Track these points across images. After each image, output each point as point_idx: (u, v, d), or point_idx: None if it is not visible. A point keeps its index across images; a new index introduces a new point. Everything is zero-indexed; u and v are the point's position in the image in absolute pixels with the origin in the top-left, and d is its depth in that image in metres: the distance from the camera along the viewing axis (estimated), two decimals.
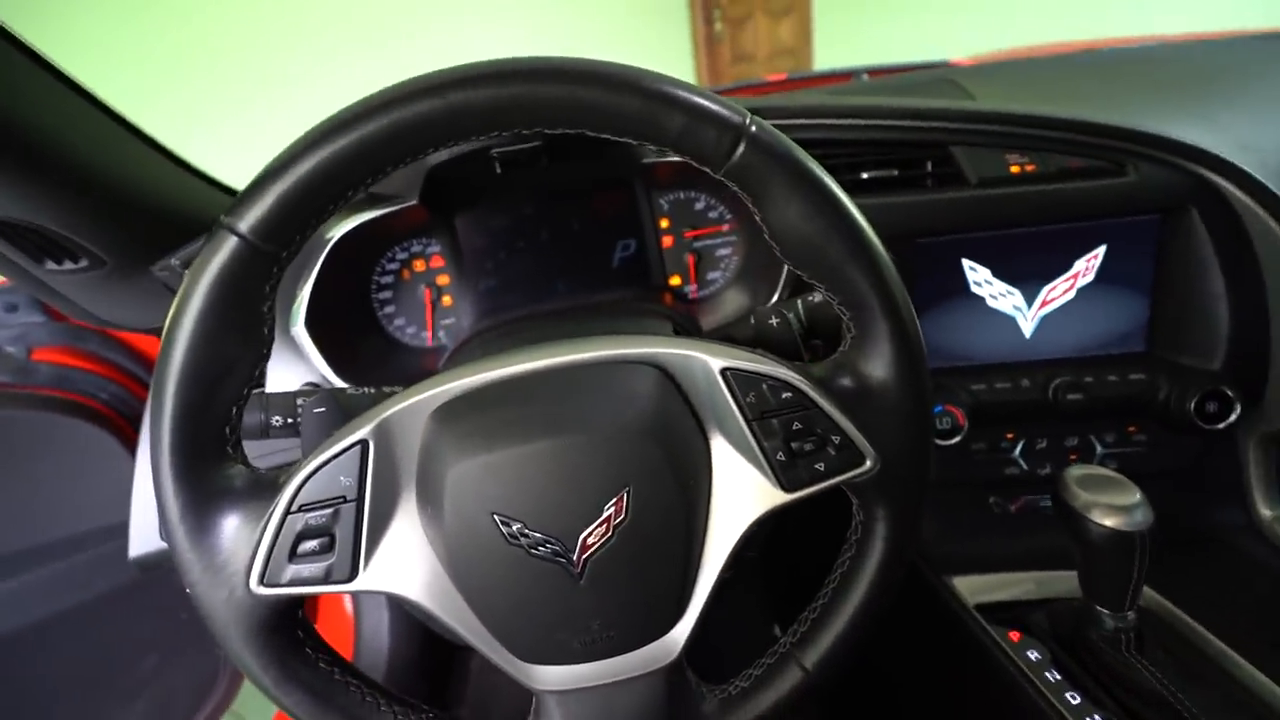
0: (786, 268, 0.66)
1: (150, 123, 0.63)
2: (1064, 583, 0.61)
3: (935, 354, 0.69)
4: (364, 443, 0.37)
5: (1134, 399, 0.65)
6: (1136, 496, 0.49)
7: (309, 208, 0.34)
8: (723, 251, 0.74)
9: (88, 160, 0.55)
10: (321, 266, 0.62)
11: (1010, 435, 0.69)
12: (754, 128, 0.35)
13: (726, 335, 0.48)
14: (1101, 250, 0.65)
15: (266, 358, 0.37)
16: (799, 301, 0.50)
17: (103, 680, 0.95)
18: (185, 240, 0.65)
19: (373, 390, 0.52)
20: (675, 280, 0.75)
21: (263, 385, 0.65)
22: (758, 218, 0.37)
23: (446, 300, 0.75)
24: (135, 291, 0.65)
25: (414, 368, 0.72)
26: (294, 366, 0.64)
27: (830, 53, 4.31)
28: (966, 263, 0.67)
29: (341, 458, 0.37)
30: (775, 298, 0.65)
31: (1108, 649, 0.52)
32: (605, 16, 4.09)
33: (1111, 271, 0.66)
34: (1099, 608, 0.52)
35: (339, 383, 0.63)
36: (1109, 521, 0.48)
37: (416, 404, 0.38)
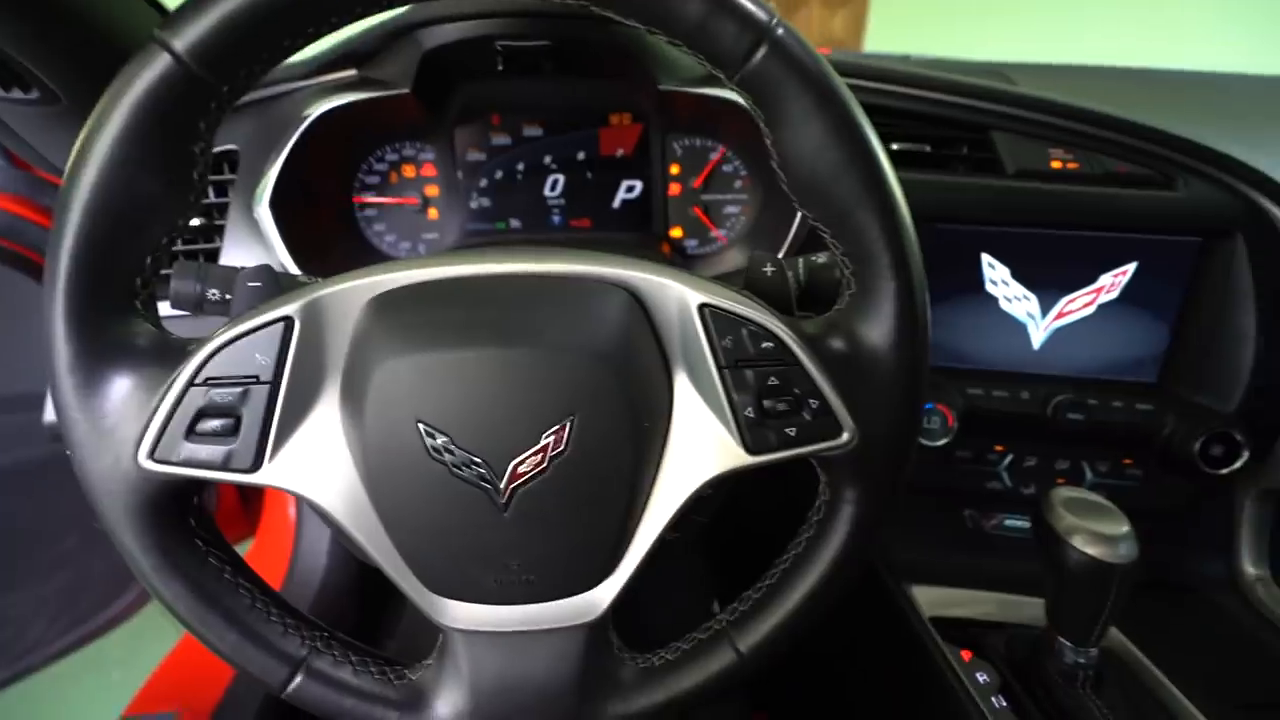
0: (793, 231, 0.62)
1: None
2: (1026, 609, 0.58)
3: (935, 349, 0.65)
4: (288, 320, 0.32)
5: (1136, 430, 0.61)
6: (1124, 528, 0.46)
7: (261, 37, 0.30)
8: (731, 209, 0.70)
9: None
10: (294, 146, 0.57)
11: (1000, 448, 0.66)
12: (780, 30, 0.30)
13: (714, 278, 0.43)
14: (1132, 267, 0.61)
15: (195, 207, 0.33)
16: (800, 260, 0.46)
17: (20, 550, 0.92)
18: None
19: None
20: (676, 232, 0.71)
21: (204, 252, 0.60)
22: (768, 140, 0.33)
23: (432, 213, 0.70)
24: None
25: None
26: (252, 250, 0.59)
27: (881, 49, 4.20)
28: (986, 258, 0.62)
29: (261, 333, 0.32)
30: (782, 253, 0.60)
31: (1063, 683, 0.49)
32: None
33: (1138, 292, 0.61)
34: (1061, 639, 0.49)
35: (298, 273, 0.59)
36: (1090, 550, 0.45)
37: (355, 288, 0.33)
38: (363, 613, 0.99)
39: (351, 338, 0.33)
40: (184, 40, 0.29)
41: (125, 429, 0.32)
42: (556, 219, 0.71)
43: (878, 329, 0.34)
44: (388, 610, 1.04)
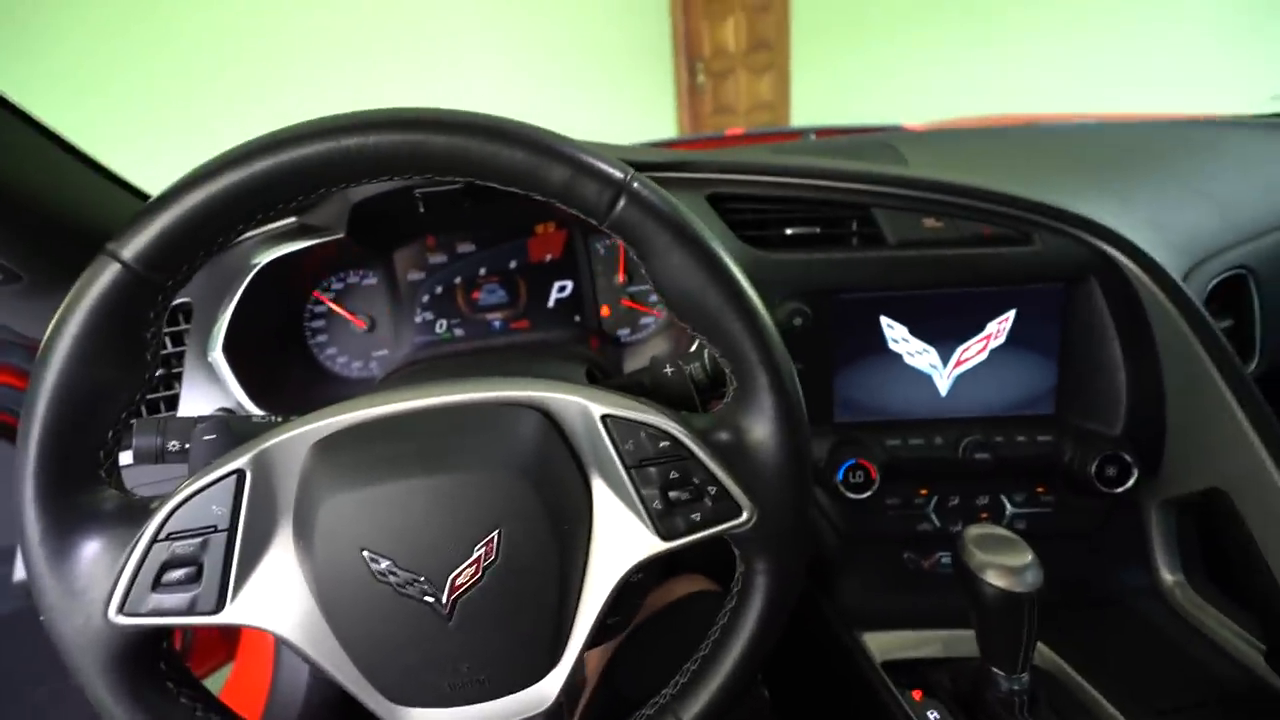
0: None
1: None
2: (967, 644, 0.61)
3: (852, 409, 0.71)
4: (240, 472, 0.37)
5: (1041, 460, 0.67)
6: (1028, 558, 0.50)
7: (196, 240, 0.35)
8: (654, 298, 0.76)
9: (3, 170, 0.54)
10: (244, 293, 0.62)
11: (924, 491, 0.71)
12: (635, 184, 0.37)
13: (621, 384, 0.48)
14: (1011, 314, 0.68)
15: (149, 384, 0.37)
16: (705, 352, 0.52)
17: None
18: None
19: (276, 419, 0.51)
20: (608, 324, 0.77)
21: (165, 410, 0.64)
22: (643, 270, 0.39)
23: (380, 332, 0.75)
24: (54, 307, 0.64)
25: (343, 397, 0.72)
26: (210, 392, 0.63)
27: (807, 108, 4.50)
28: (885, 320, 0.69)
29: (215, 487, 0.36)
30: (694, 347, 0.66)
31: (1002, 711, 0.53)
32: (594, 64, 4.22)
33: (1021, 335, 0.68)
34: (994, 669, 0.53)
35: (256, 410, 0.63)
36: (1000, 582, 0.49)
37: (297, 436, 0.38)
38: None
39: (298, 480, 0.37)
40: (131, 250, 0.34)
41: (95, 589, 0.35)
42: (496, 324, 0.77)
43: (758, 417, 0.39)
44: None
